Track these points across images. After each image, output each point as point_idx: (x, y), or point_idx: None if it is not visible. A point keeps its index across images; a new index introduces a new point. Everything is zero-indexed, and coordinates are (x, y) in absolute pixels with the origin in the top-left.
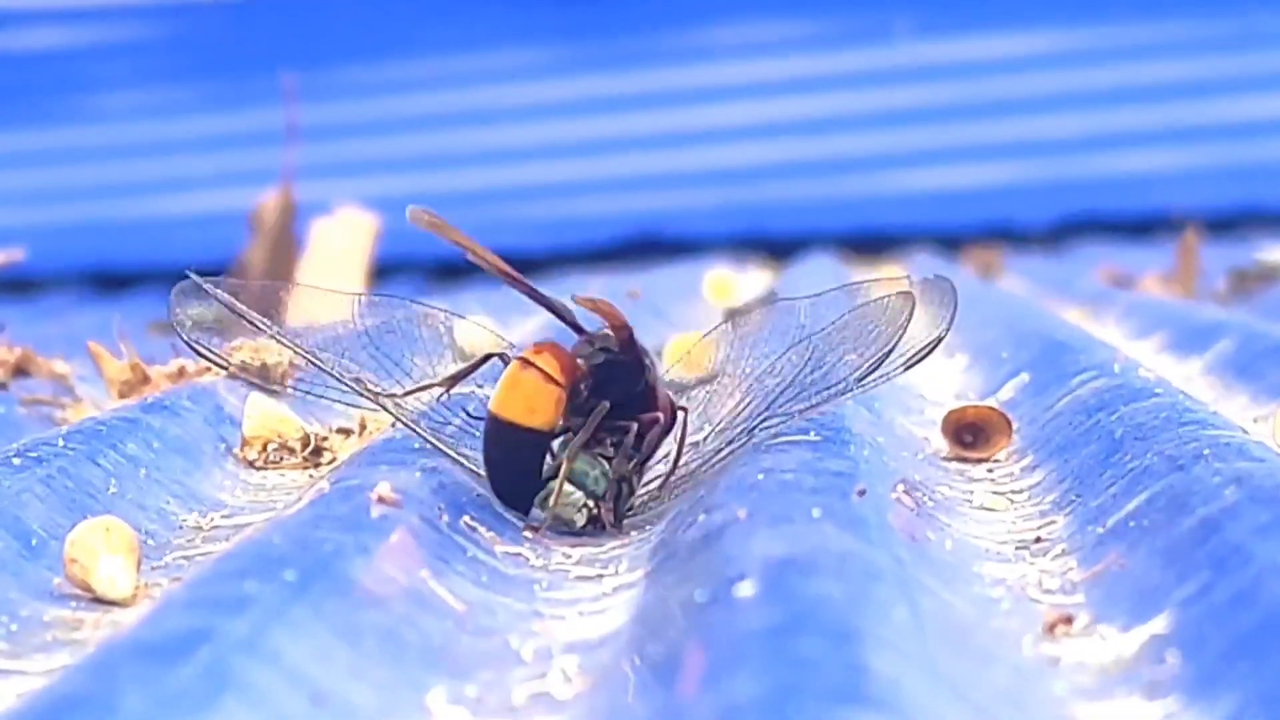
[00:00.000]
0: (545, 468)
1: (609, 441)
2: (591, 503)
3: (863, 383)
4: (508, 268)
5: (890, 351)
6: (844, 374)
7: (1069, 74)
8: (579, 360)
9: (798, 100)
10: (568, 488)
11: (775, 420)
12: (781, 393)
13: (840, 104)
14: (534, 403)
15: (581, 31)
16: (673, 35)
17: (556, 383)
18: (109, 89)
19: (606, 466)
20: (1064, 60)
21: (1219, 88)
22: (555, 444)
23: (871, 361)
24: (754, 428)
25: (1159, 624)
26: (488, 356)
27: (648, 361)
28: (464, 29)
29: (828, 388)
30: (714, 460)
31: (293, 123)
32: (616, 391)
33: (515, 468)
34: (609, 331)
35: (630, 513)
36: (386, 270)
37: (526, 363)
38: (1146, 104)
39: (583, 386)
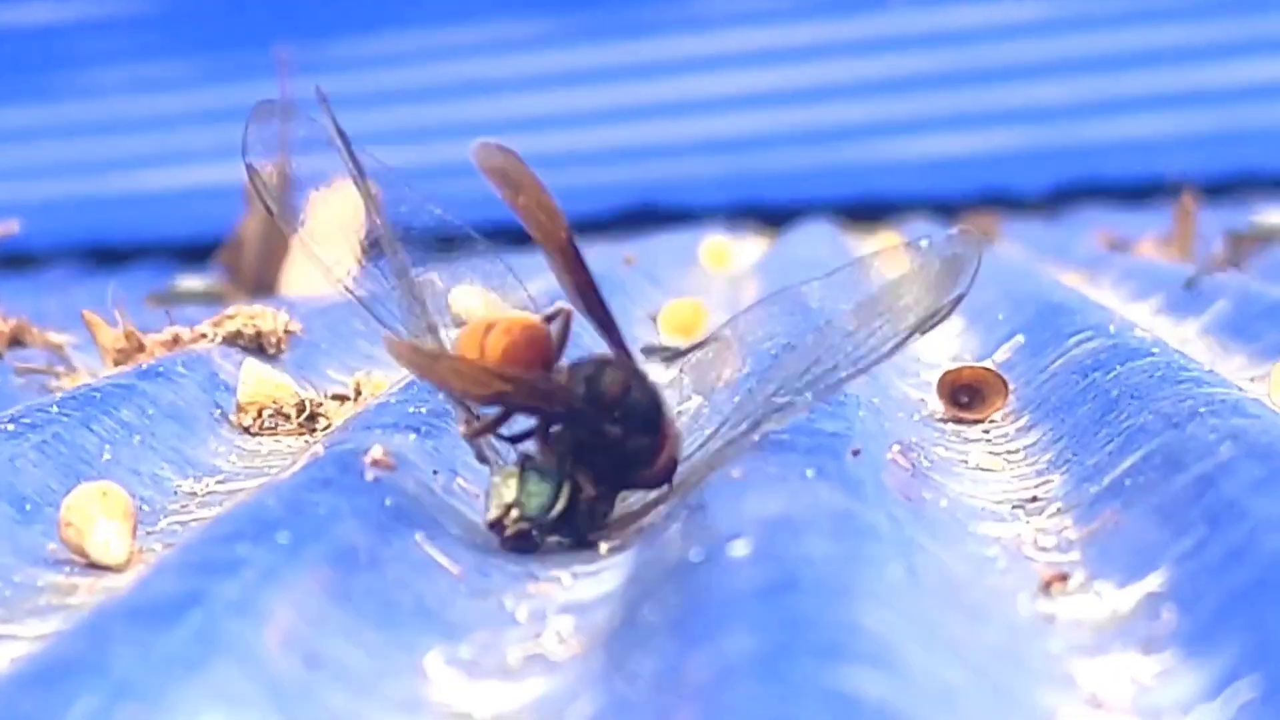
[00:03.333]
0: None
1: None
2: (527, 524)
3: (898, 346)
4: (572, 245)
5: (947, 307)
6: (873, 343)
7: (1065, 40)
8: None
9: (793, 69)
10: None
11: (787, 399)
12: (806, 369)
13: (836, 72)
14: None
15: (576, 2)
16: (667, 5)
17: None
18: (104, 64)
19: (553, 488)
20: (1060, 26)
21: (1216, 52)
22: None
23: (923, 317)
24: (766, 413)
25: (1154, 581)
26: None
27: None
28: (458, 1)
29: (860, 357)
30: (724, 451)
31: (287, 93)
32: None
33: None
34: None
35: (608, 524)
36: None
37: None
38: (1143, 69)
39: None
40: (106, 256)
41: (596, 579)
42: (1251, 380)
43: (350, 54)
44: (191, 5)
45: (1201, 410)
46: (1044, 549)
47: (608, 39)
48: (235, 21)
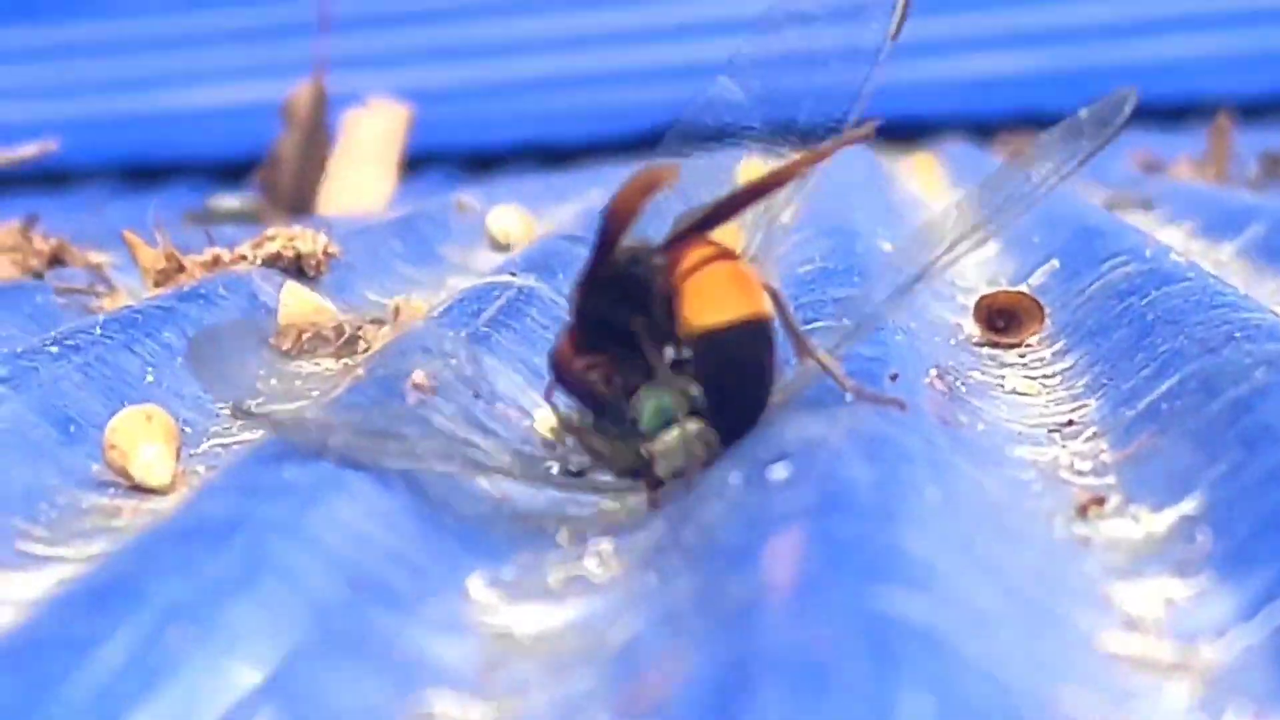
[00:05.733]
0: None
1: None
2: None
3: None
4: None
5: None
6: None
7: None
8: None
9: None
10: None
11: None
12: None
13: None
14: (747, 286)
15: None
16: None
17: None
18: None
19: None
20: None
21: None
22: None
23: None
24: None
25: (1190, 504)
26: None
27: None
28: None
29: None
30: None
31: (324, 12)
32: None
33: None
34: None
35: None
36: (418, 161)
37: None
38: None
39: None
40: (143, 174)
41: (637, 504)
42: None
43: None
44: None
45: (1237, 335)
46: (1080, 473)
47: None
48: None
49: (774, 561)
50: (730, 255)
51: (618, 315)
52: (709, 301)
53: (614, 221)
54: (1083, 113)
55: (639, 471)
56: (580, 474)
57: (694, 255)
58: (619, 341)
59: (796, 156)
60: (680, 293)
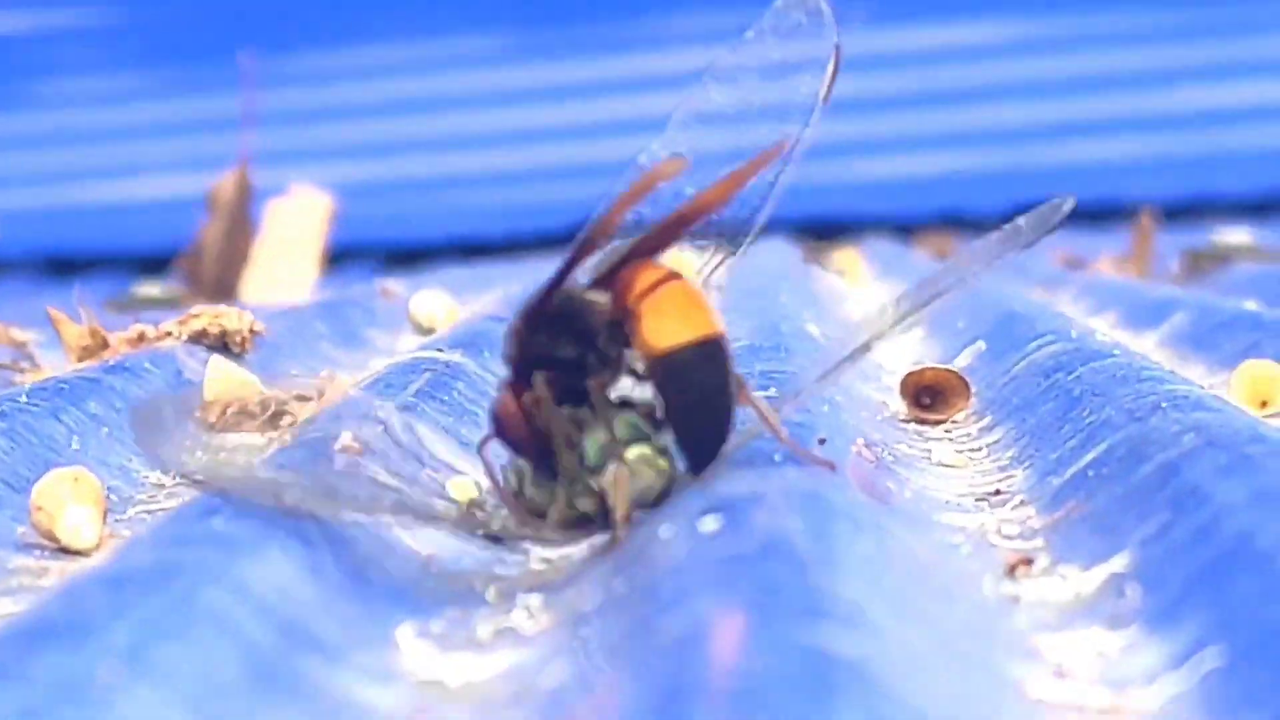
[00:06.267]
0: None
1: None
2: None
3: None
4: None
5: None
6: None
7: (1022, 63)
8: None
9: None
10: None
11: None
12: None
13: None
14: (703, 304)
15: (538, 18)
16: (628, 22)
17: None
18: (64, 74)
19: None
20: (1017, 49)
21: (1172, 77)
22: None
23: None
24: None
25: (1119, 562)
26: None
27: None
28: (421, 15)
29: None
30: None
31: (250, 104)
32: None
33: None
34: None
35: None
36: (342, 255)
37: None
38: (1099, 93)
39: None
40: (66, 266)
41: (566, 560)
42: (1210, 386)
43: (312, 67)
44: (152, 16)
45: (1164, 405)
46: (1008, 537)
47: (568, 56)
48: (196, 33)
49: (718, 644)
50: (679, 275)
51: (560, 350)
52: (669, 321)
53: (602, 226)
54: (1020, 219)
55: (581, 521)
56: (499, 539)
57: (645, 278)
58: (561, 381)
59: (724, 178)
60: (637, 315)
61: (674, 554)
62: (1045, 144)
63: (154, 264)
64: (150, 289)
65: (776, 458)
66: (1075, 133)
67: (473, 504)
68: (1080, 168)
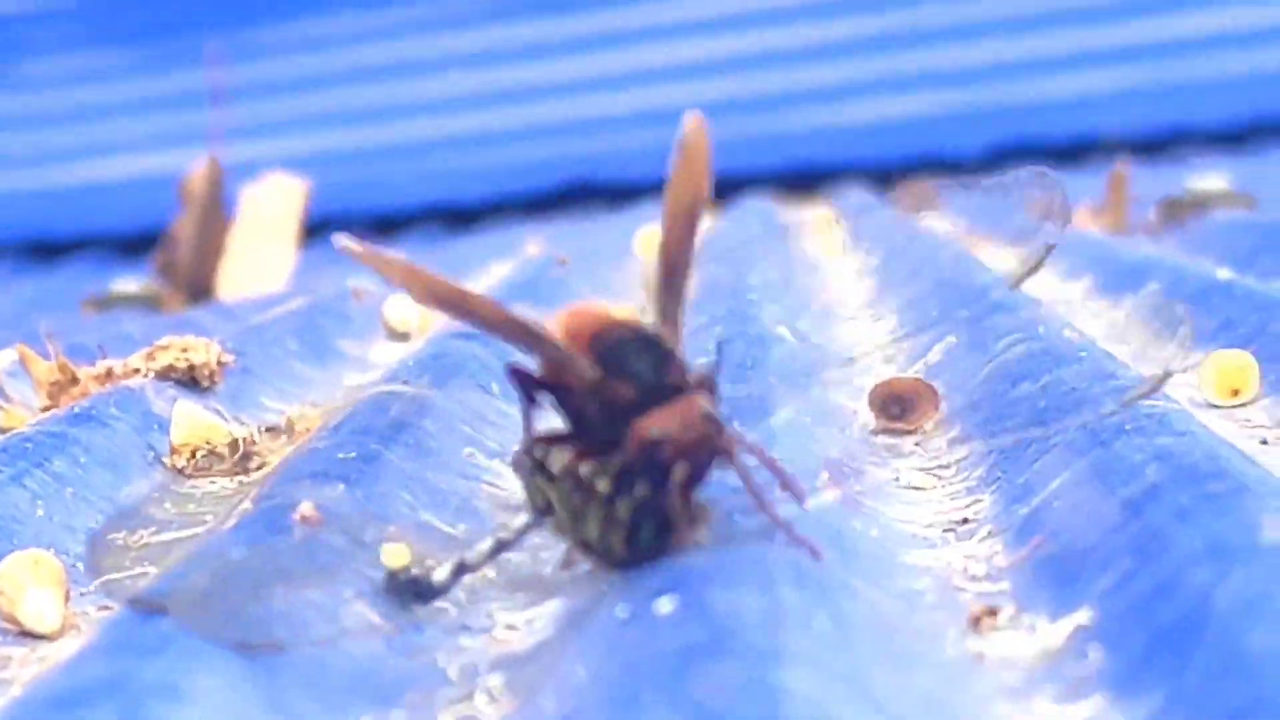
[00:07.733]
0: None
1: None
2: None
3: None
4: (459, 289)
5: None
6: None
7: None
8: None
9: (724, 39)
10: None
11: None
12: None
13: (766, 41)
14: None
15: None
16: None
17: None
18: (33, 55)
19: None
20: None
21: (1146, 7)
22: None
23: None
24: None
25: (1082, 615)
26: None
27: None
28: None
29: None
30: None
31: (218, 89)
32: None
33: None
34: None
35: None
36: (322, 226)
37: None
38: (1073, 27)
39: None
40: (44, 250)
41: (529, 629)
42: (1184, 371)
43: (280, 39)
44: None
45: (1128, 428)
46: (974, 577)
47: (537, 14)
48: (164, 11)
49: None
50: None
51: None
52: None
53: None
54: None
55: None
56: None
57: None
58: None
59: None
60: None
61: (630, 640)
62: (1018, 81)
63: (133, 245)
64: (128, 285)
65: (735, 516)
66: (1048, 68)
67: (404, 570)
68: (1054, 103)
